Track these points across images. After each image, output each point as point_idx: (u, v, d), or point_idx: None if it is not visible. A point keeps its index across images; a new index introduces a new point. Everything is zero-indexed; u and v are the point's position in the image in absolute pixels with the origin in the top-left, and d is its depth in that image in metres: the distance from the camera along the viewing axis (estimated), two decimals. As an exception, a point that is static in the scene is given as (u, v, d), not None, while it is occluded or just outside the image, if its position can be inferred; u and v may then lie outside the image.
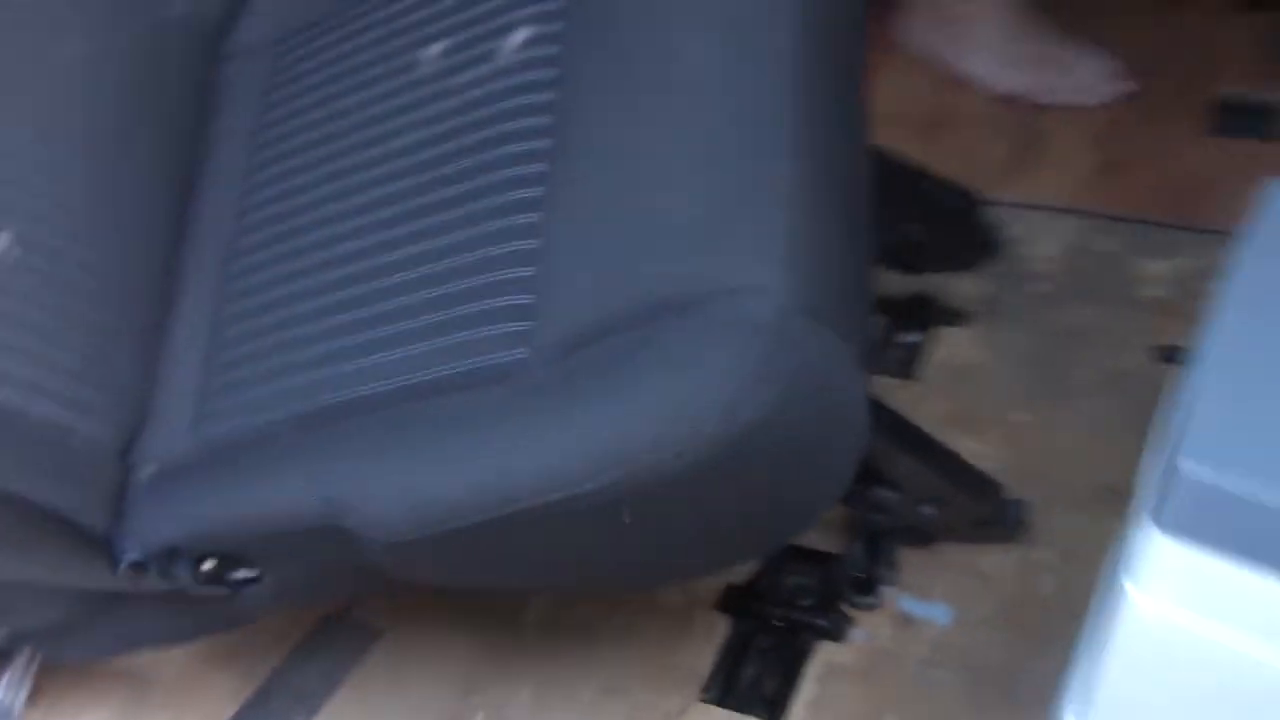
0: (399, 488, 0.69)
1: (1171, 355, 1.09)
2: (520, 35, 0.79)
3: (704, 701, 0.92)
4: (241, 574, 0.78)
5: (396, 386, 0.74)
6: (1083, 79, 1.38)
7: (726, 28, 0.71)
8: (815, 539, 1.00)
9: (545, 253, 0.72)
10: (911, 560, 0.98)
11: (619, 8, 0.76)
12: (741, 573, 0.99)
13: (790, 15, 0.71)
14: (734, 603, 0.97)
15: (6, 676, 0.93)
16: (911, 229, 1.06)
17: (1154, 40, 1.40)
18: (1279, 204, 0.74)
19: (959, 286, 1.18)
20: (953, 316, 1.15)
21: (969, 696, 0.90)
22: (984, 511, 0.95)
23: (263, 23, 0.98)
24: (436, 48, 0.83)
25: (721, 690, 0.93)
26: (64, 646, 0.88)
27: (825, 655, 0.94)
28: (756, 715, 0.91)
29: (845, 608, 0.96)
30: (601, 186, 0.71)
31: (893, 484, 0.91)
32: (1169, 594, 0.66)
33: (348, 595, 0.91)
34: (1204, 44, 1.40)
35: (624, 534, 0.71)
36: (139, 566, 0.75)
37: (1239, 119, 1.32)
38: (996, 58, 1.39)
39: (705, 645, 0.95)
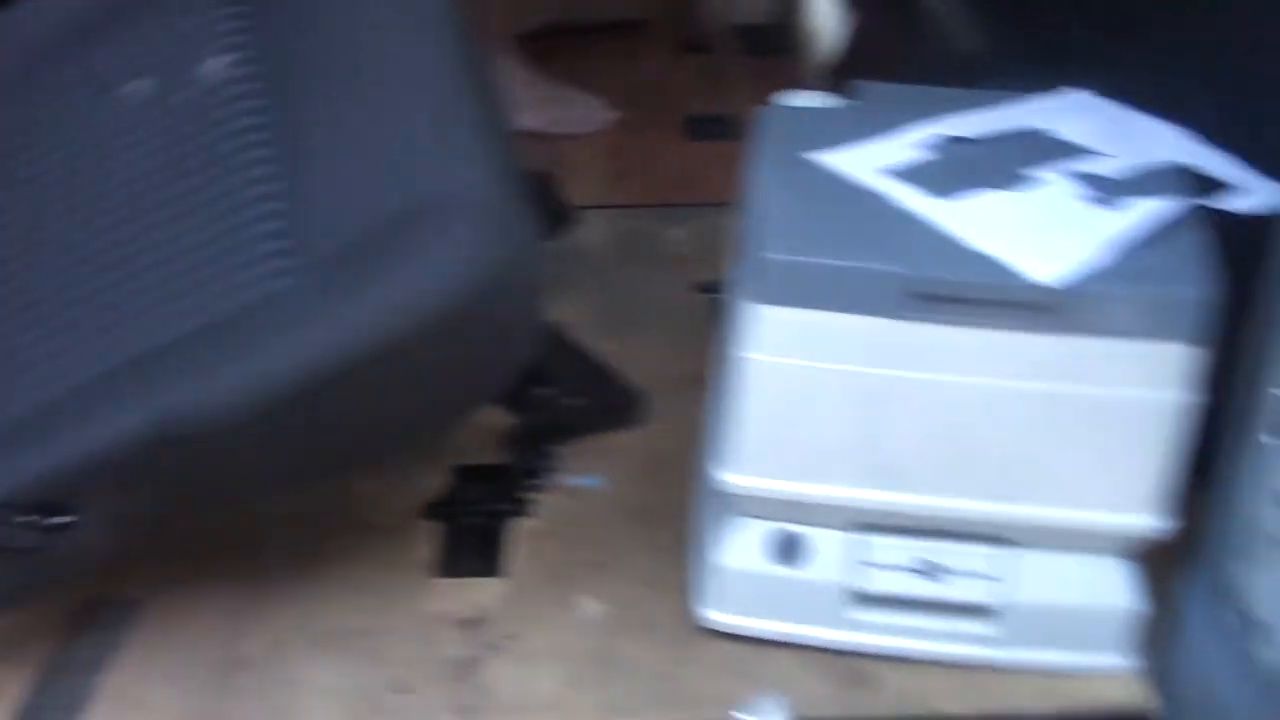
0: (202, 389, 0.86)
1: (706, 288, 1.44)
2: (222, 59, 0.98)
3: (436, 576, 1.12)
4: (56, 521, 0.89)
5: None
6: (581, 113, 1.75)
7: (392, 26, 0.96)
8: (487, 456, 1.23)
9: (288, 196, 0.91)
10: (567, 451, 1.24)
11: (303, 22, 0.97)
12: (433, 490, 1.20)
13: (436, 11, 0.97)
14: (437, 512, 1.18)
15: None
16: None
17: (629, 78, 1.81)
18: (774, 113, 1.11)
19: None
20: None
21: (629, 527, 1.17)
22: (617, 399, 1.23)
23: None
24: (141, 84, 0.99)
25: (445, 569, 1.13)
26: None
27: (521, 526, 1.17)
28: (483, 570, 1.12)
29: (525, 495, 1.19)
30: (324, 144, 0.92)
31: (546, 380, 1.17)
32: (774, 349, 0.97)
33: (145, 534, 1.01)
34: (666, 77, 1.85)
35: (378, 408, 0.92)
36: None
37: (705, 127, 1.75)
38: (513, 107, 1.72)
39: (423, 545, 1.15)
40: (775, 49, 1.95)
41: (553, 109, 1.74)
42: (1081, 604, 1.04)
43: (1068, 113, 1.12)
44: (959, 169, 1.03)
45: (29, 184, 1.01)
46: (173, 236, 0.92)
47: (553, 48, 1.81)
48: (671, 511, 1.17)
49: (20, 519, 0.88)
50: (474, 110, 0.95)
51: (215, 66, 0.98)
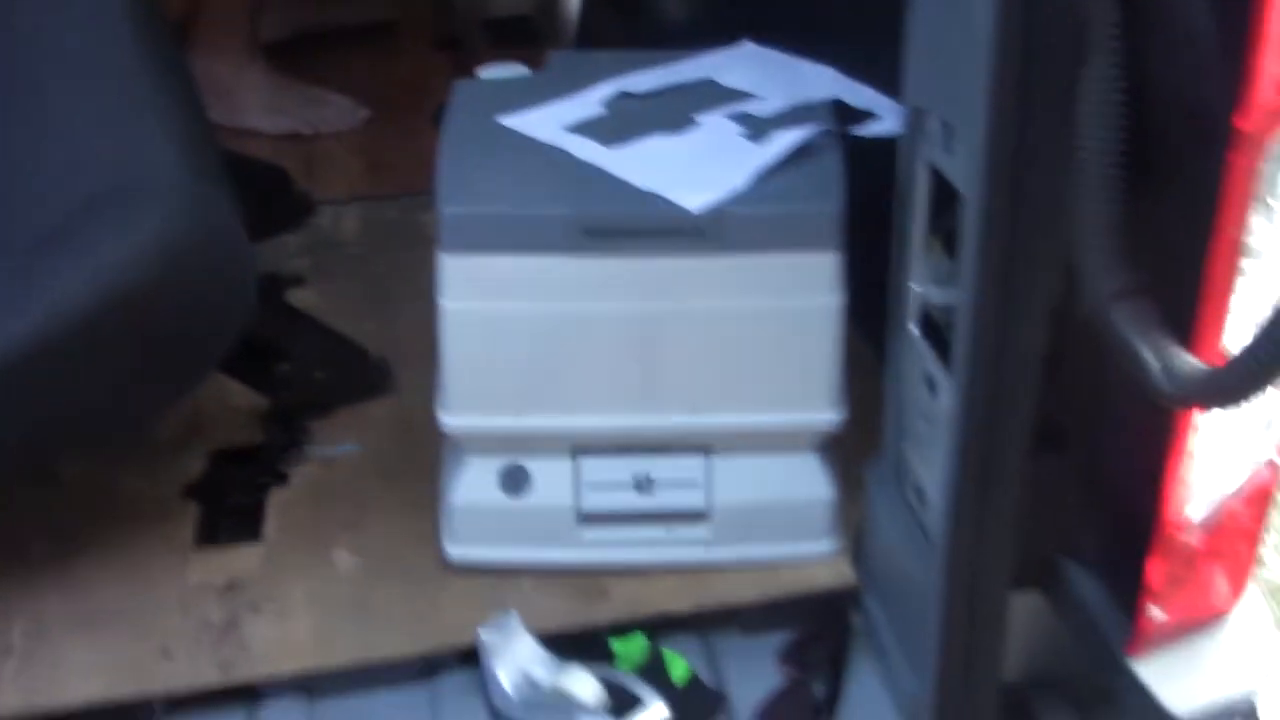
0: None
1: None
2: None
3: (196, 550, 1.19)
4: None
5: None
6: (333, 112, 1.83)
7: (77, 24, 1.03)
8: (244, 438, 1.30)
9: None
10: (320, 424, 1.32)
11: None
12: (195, 473, 1.26)
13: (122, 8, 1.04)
14: (198, 493, 1.25)
15: None
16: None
17: (381, 77, 1.89)
18: (469, 85, 1.21)
19: (293, 262, 1.54)
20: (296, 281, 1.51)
21: (382, 487, 1.26)
22: (363, 370, 1.32)
23: None
24: None
25: (205, 541, 1.20)
26: None
27: (278, 497, 1.25)
28: (242, 540, 1.19)
29: (281, 469, 1.27)
30: (21, 140, 0.99)
31: (287, 357, 1.25)
32: (466, 294, 1.07)
33: None
34: (417, 74, 1.93)
35: (91, 380, 0.99)
36: None
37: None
38: (266, 111, 1.79)
39: (186, 525, 1.22)
40: (525, 40, 2.06)
41: (305, 110, 1.81)
42: (783, 498, 1.16)
43: (734, 63, 1.24)
44: (630, 119, 1.14)
45: None
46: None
47: (305, 53, 1.89)
48: (422, 470, 1.25)
49: None
50: (163, 99, 1.02)
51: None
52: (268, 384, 1.28)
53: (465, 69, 1.96)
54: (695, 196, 1.04)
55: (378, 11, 2.04)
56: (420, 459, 1.26)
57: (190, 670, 1.08)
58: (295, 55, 1.88)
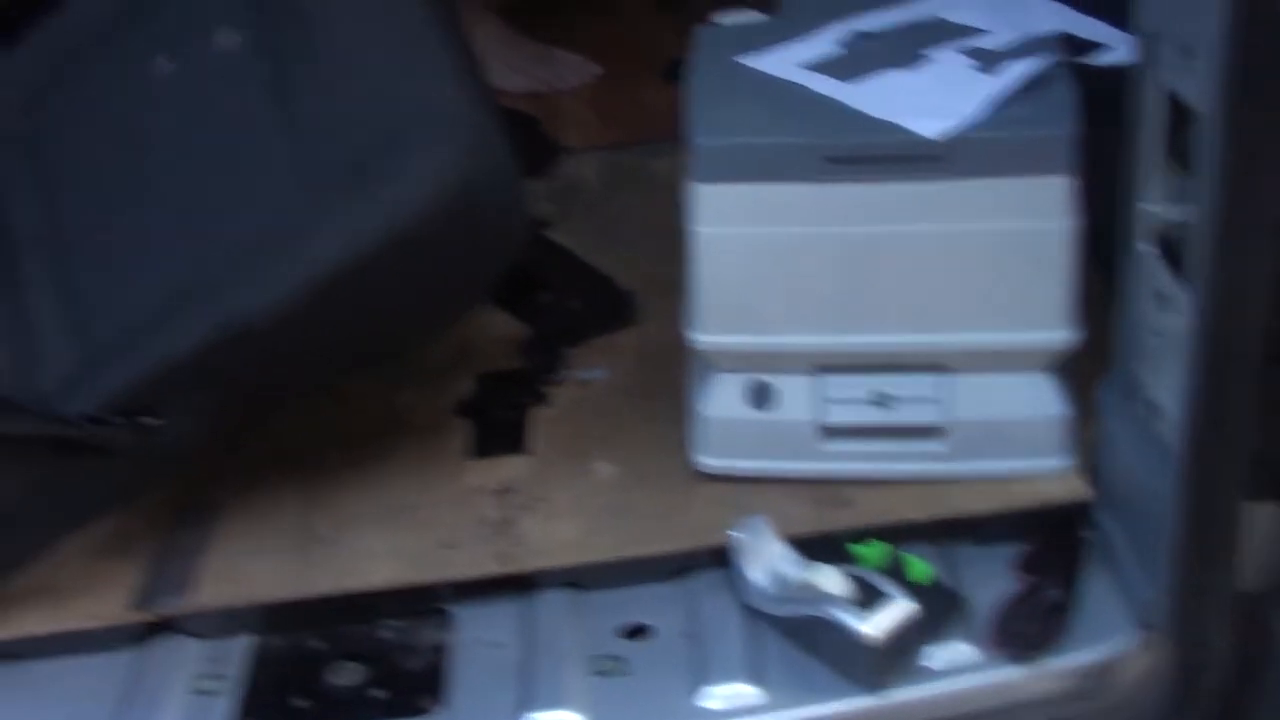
0: (253, 293, 1.07)
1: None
2: (226, 30, 1.18)
3: (471, 459, 1.32)
4: (149, 422, 1.10)
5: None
6: (566, 69, 1.94)
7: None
8: (507, 363, 1.43)
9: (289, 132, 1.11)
10: (574, 351, 1.44)
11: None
12: (463, 394, 1.40)
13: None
14: (468, 410, 1.38)
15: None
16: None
17: (608, 35, 2.00)
18: (710, 30, 1.29)
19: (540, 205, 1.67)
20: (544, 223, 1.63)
21: (633, 405, 1.37)
22: (613, 300, 1.43)
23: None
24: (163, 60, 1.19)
25: (478, 452, 1.33)
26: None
27: (539, 415, 1.37)
28: (505, 452, 1.32)
29: (541, 390, 1.39)
30: (316, 82, 1.12)
31: (547, 288, 1.36)
32: (717, 221, 1.16)
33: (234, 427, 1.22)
34: (643, 32, 2.03)
35: (390, 302, 1.12)
36: (95, 420, 1.05)
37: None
38: (504, 70, 1.91)
39: (459, 437, 1.35)
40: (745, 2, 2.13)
41: (541, 68, 1.93)
42: (1017, 415, 1.22)
43: (962, 1, 1.29)
44: (865, 57, 1.21)
45: (93, 144, 1.22)
46: (206, 179, 1.13)
47: (531, 16, 2.01)
48: (667, 392, 1.35)
49: (117, 422, 1.08)
50: (446, 40, 1.14)
51: (222, 37, 1.17)
52: (529, 313, 1.41)
53: (689, 25, 2.09)
54: (932, 124, 1.11)
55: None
56: (665, 382, 1.36)
57: (472, 561, 1.21)
58: (522, 18, 2.00)
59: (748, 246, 1.16)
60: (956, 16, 1.26)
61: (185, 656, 1.19)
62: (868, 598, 1.11)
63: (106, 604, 1.20)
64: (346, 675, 1.17)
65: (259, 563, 1.23)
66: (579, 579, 1.21)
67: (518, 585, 1.21)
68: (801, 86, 1.18)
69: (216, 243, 1.10)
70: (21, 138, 1.25)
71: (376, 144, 1.09)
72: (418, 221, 1.07)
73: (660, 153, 1.82)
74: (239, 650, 1.19)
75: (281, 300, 1.07)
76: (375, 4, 1.15)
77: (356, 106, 1.10)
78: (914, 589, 1.14)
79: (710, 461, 1.26)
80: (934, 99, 1.14)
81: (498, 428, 1.36)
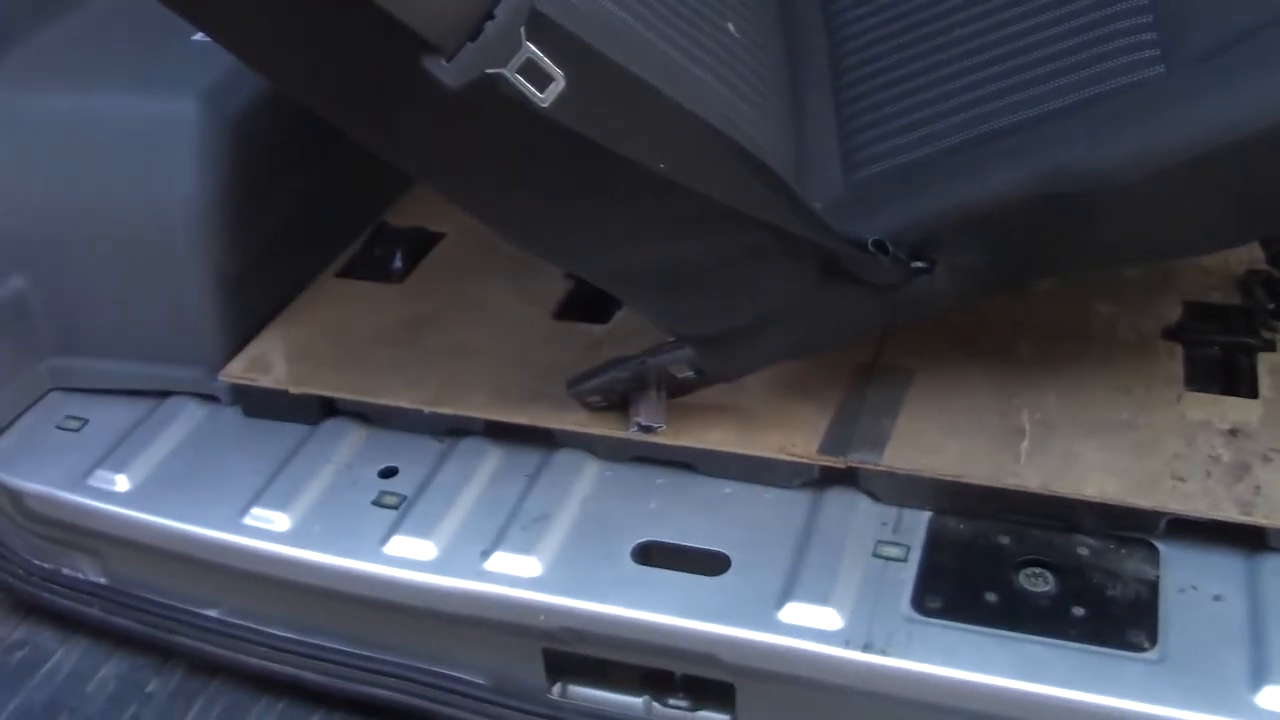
0: (1095, 152, 0.94)
1: None
2: None
3: (1190, 389, 1.18)
4: (916, 264, 1.01)
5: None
6: None
7: None
8: (1215, 296, 1.27)
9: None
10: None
11: None
12: (1170, 319, 1.25)
13: None
14: (1176, 335, 1.23)
15: (647, 405, 1.13)
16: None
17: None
18: None
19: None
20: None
21: None
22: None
23: None
24: None
25: (1199, 385, 1.18)
26: (729, 358, 1.09)
27: (1268, 361, 1.20)
28: (1228, 391, 1.17)
29: (1265, 331, 1.22)
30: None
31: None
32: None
33: (982, 292, 1.12)
34: None
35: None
36: (879, 245, 0.97)
37: None
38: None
39: (1167, 364, 1.21)
40: None
41: None
42: None
43: None
44: None
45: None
46: (1054, 25, 1.02)
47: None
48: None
49: (892, 256, 1.00)
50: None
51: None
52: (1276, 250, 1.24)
53: None
54: None
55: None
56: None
57: (1209, 501, 1.06)
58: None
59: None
60: None
61: (864, 515, 1.12)
62: None
63: (797, 442, 1.14)
64: (1038, 582, 1.06)
65: (951, 440, 1.13)
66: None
67: (1244, 538, 1.06)
68: None
69: (1048, 90, 0.99)
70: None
71: (1243, 31, 0.95)
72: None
73: None
74: (921, 524, 1.10)
75: (1127, 167, 0.95)
76: None
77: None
78: None
79: None
80: None
81: (1215, 363, 1.21)
